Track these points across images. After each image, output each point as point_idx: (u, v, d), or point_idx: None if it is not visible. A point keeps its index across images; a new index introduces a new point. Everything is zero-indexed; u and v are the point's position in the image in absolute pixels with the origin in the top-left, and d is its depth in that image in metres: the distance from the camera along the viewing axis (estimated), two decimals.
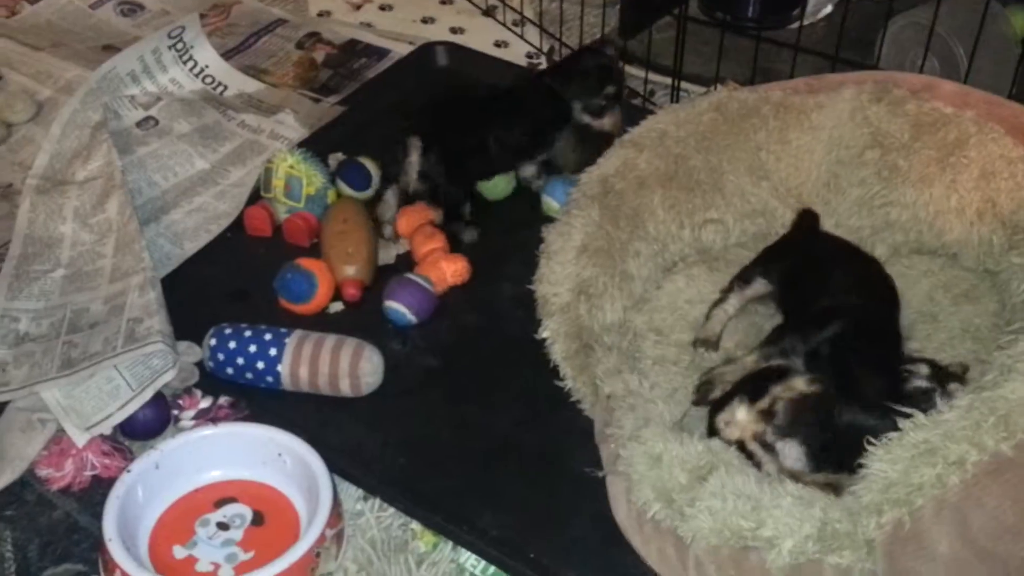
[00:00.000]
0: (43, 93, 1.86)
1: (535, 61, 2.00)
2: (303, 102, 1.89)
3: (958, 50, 1.66)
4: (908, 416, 1.01)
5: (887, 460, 0.98)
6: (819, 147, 1.45)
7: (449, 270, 1.49)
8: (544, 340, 1.30)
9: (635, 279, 1.37)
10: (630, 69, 1.85)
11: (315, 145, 1.66)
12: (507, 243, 1.55)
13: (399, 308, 1.42)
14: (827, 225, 1.45)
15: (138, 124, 1.76)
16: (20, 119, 1.80)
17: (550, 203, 1.59)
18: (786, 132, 1.46)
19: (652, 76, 1.81)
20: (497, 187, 1.65)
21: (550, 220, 1.45)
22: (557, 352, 1.28)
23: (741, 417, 1.10)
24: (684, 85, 1.80)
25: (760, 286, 1.34)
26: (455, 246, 1.54)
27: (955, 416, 0.99)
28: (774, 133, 1.46)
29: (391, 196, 1.58)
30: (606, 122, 1.53)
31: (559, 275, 1.32)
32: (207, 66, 1.92)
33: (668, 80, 1.80)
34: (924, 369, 1.14)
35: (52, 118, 1.73)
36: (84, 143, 1.67)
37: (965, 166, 1.34)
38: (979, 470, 0.95)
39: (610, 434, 1.14)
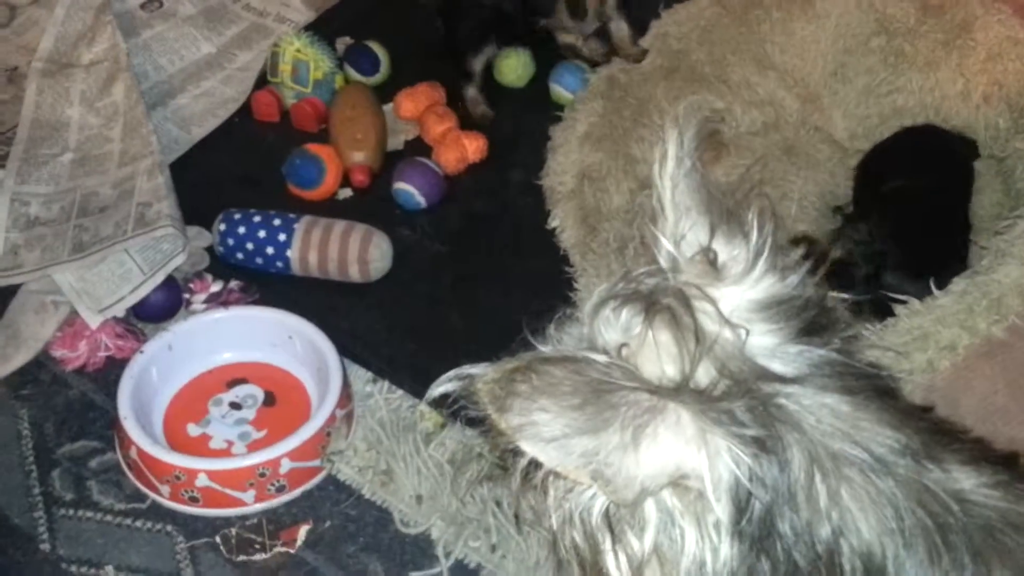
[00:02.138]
0: None
1: None
2: None
3: None
4: (904, 303, 1.02)
5: (880, 347, 0.99)
6: (825, 36, 1.43)
7: (471, 147, 1.48)
8: (554, 229, 1.31)
9: (640, 162, 1.37)
10: None
11: (322, 29, 1.64)
12: (517, 129, 1.53)
13: (408, 189, 1.42)
14: (835, 115, 1.44)
15: (142, 6, 1.73)
16: (23, 1, 1.77)
17: (558, 91, 1.57)
18: (790, 23, 1.44)
19: None
20: (512, 71, 1.62)
21: (559, 107, 1.44)
22: (566, 240, 1.29)
23: None
24: None
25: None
26: (466, 124, 1.53)
27: (949, 301, 1.00)
28: (778, 24, 1.44)
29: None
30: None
31: (563, 164, 1.32)
32: None
33: None
34: None
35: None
36: (88, 25, 1.65)
37: (971, 48, 1.32)
38: (970, 353, 0.96)
39: None
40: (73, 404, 1.24)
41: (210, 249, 1.37)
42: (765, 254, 0.60)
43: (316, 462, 1.14)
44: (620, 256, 1.18)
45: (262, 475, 1.10)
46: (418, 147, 1.52)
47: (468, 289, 1.34)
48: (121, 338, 1.27)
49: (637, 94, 1.40)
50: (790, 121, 1.45)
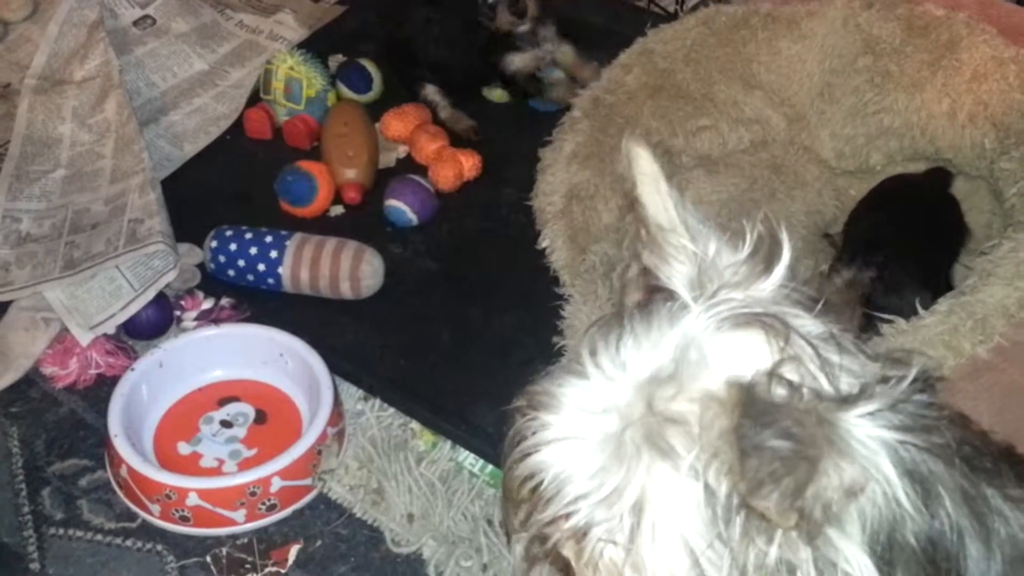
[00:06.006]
0: None
1: None
2: (302, 2, 1.85)
3: None
4: (890, 323, 1.02)
5: None
6: (811, 56, 1.44)
7: (467, 164, 1.49)
8: (544, 249, 1.31)
9: (628, 180, 1.37)
10: None
11: (315, 46, 1.65)
12: (509, 147, 1.54)
13: (400, 207, 1.42)
14: (822, 134, 1.45)
15: (135, 23, 1.73)
16: (17, 17, 1.78)
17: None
18: (776, 42, 1.45)
19: None
20: (495, 95, 1.64)
21: (550, 126, 1.44)
22: (556, 260, 1.29)
23: None
24: None
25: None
26: (455, 141, 1.53)
27: (934, 321, 1.01)
28: (764, 44, 1.45)
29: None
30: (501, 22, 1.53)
31: (552, 185, 1.33)
32: None
33: None
34: None
35: (49, 16, 1.70)
36: (81, 42, 1.65)
37: (956, 69, 1.32)
38: (956, 374, 0.96)
39: None
40: (63, 422, 1.24)
41: (201, 266, 1.37)
42: (785, 259, 0.61)
43: (307, 481, 1.14)
44: (606, 280, 1.18)
45: (253, 494, 1.10)
46: (410, 165, 1.53)
47: (459, 307, 1.34)
48: (112, 355, 1.27)
49: (623, 113, 1.41)
50: (778, 140, 1.45)
